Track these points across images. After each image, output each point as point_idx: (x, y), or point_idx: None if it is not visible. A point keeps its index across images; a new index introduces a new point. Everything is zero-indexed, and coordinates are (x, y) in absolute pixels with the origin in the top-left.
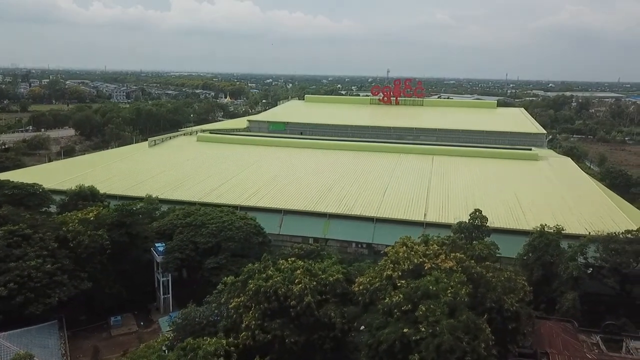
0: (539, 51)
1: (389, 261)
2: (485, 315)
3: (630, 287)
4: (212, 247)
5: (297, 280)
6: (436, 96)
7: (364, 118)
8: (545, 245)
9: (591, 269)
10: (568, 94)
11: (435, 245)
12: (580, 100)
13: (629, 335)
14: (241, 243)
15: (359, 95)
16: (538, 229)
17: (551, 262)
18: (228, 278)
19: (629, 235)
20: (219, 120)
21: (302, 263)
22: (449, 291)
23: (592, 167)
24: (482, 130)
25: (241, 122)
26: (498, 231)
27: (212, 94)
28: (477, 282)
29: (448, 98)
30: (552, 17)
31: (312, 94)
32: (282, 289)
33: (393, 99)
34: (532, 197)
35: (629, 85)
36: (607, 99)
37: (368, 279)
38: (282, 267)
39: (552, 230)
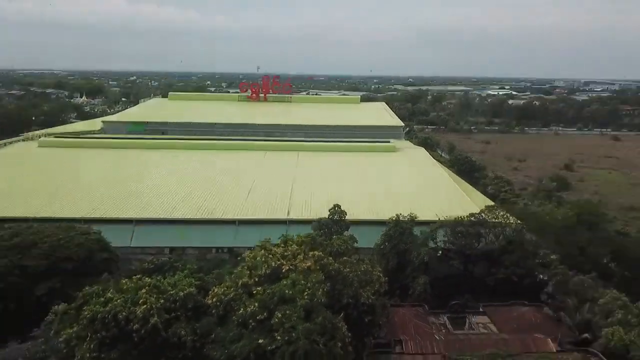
0: (401, 48)
1: (246, 267)
2: (342, 314)
3: (472, 266)
4: (46, 270)
5: (141, 301)
6: (305, 92)
7: (232, 115)
8: (400, 234)
9: (440, 252)
10: (425, 88)
11: (294, 245)
12: (434, 94)
13: (472, 311)
14: (82, 262)
15: (228, 92)
16: (394, 219)
17: (405, 249)
18: (59, 306)
19: (472, 219)
20: (72, 122)
21: (150, 280)
22: (305, 293)
23: (443, 155)
24: (346, 125)
25: (95, 124)
26: (358, 223)
27: (66, 93)
28: (335, 279)
29: (316, 94)
30: (413, 16)
31: (179, 92)
32: (123, 313)
33: (262, 95)
34: (389, 187)
35: (476, 80)
36: (457, 92)
37: (223, 289)
38: (125, 287)
39: (406, 219)
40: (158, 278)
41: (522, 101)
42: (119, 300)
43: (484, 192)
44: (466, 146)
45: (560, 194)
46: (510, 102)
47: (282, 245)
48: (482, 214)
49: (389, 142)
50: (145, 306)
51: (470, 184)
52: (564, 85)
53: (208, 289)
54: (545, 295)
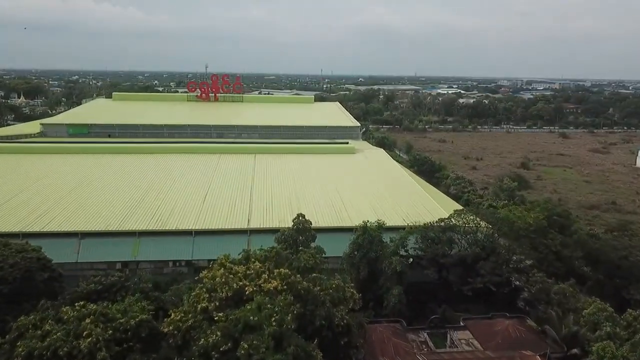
0: (349, 48)
1: (204, 289)
2: (316, 340)
3: (447, 274)
4: None
5: (85, 333)
6: (257, 92)
7: (182, 116)
8: (369, 242)
9: (411, 260)
10: (376, 87)
11: (257, 263)
12: (386, 93)
13: (452, 326)
14: (18, 284)
15: (177, 91)
16: (361, 226)
17: (376, 258)
18: None
19: (442, 224)
20: (10, 125)
21: (95, 307)
22: (273, 319)
23: (401, 155)
24: (302, 126)
25: (33, 126)
26: (324, 231)
27: (2, 93)
28: (305, 299)
29: (268, 94)
30: (358, 17)
31: (125, 92)
32: (65, 348)
33: (212, 95)
34: (353, 192)
35: (424, 79)
36: (408, 91)
37: (180, 315)
38: (67, 316)
39: (374, 225)
40: (105, 304)
41: (472, 100)
42: (59, 334)
43: (447, 193)
44: (422, 145)
45: (522, 193)
46: (460, 100)
47: (244, 262)
48: (452, 219)
49: (347, 143)
50: (90, 339)
51: (432, 185)
52: (509, 84)
53: (166, 308)
54: (522, 303)
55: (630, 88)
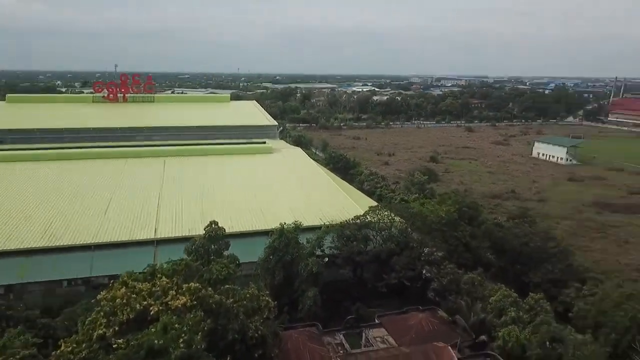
0: (267, 47)
1: (102, 314)
2: (228, 357)
3: (362, 272)
4: None
5: None
6: (170, 91)
7: (85, 119)
8: (285, 245)
9: (327, 259)
10: (293, 86)
11: (164, 279)
12: (303, 92)
13: (367, 325)
14: None
15: (82, 92)
16: (278, 228)
17: (292, 260)
18: None
19: (358, 221)
20: None
21: None
22: (181, 340)
23: (317, 152)
24: (217, 126)
25: None
26: (239, 236)
27: None
28: (217, 313)
29: (182, 93)
30: (278, 17)
31: (21, 93)
32: None
33: (120, 96)
34: (270, 193)
35: (339, 77)
36: (324, 90)
37: (71, 347)
38: None
39: (291, 227)
40: None
41: (385, 97)
42: None
43: (361, 189)
44: (338, 143)
45: (431, 186)
46: (375, 98)
47: (149, 278)
48: (367, 216)
49: (264, 142)
50: None
51: (347, 182)
52: (420, 81)
53: (57, 337)
54: (432, 294)
55: (527, 84)
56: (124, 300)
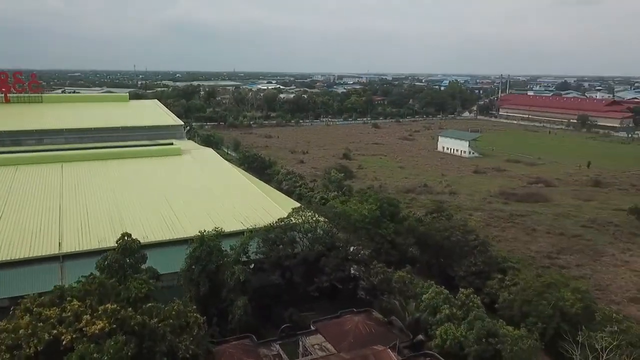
0: (164, 44)
1: (3, 348)
2: None
3: (291, 275)
4: None
5: None
6: (60, 91)
7: None
8: (207, 253)
9: (253, 265)
10: (195, 83)
11: (75, 301)
12: (207, 89)
13: (303, 332)
14: None
15: None
16: (197, 236)
17: (217, 269)
18: None
19: (282, 224)
20: None
21: None
22: None
23: (229, 152)
24: (117, 127)
25: None
26: (155, 246)
27: None
28: (141, 335)
29: (74, 92)
30: (170, 11)
31: None
32: None
33: (1, 96)
34: (184, 198)
35: (243, 75)
36: (229, 87)
37: None
38: None
39: (212, 234)
40: None
41: (292, 95)
42: None
43: (279, 189)
44: (250, 141)
45: (348, 183)
46: (281, 96)
47: (58, 301)
48: (292, 218)
49: (172, 144)
50: None
51: (265, 182)
52: (323, 79)
53: None
54: (362, 293)
55: (423, 81)
56: (29, 331)
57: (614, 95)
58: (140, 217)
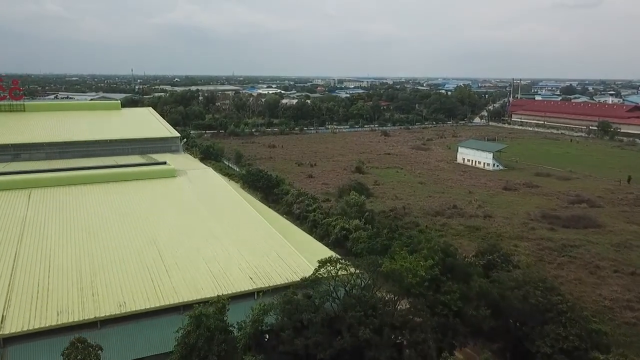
0: (162, 47)
1: None
2: None
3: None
4: None
5: None
6: (53, 96)
7: None
8: (207, 340)
9: (267, 337)
10: (194, 88)
11: None
12: (206, 94)
13: None
14: None
15: None
16: (193, 305)
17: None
18: None
19: (308, 289)
20: None
21: None
22: None
23: (231, 165)
24: (105, 140)
25: None
26: (136, 317)
27: None
28: None
29: (67, 98)
30: (169, 15)
31: None
32: None
33: None
34: (176, 241)
35: (242, 79)
36: (228, 92)
37: None
38: None
39: (212, 309)
40: None
41: (295, 100)
42: None
43: (290, 213)
44: (252, 152)
45: (372, 208)
46: (284, 101)
47: None
48: (319, 273)
49: (165, 163)
50: None
51: (272, 203)
52: (323, 83)
53: None
54: None
55: (425, 84)
56: None
57: (623, 100)
58: (119, 273)
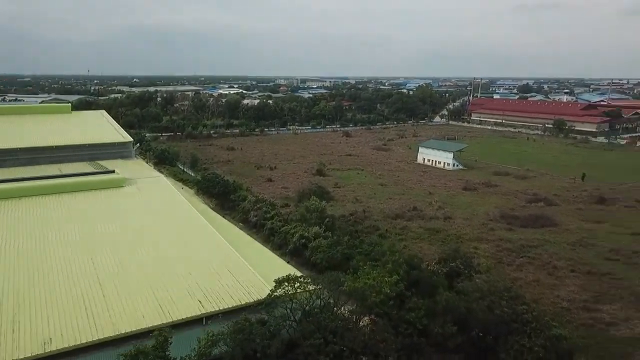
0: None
1: None
2: None
3: None
4: None
5: None
6: (1, 99)
7: None
8: None
9: None
10: (152, 89)
11: None
12: (164, 95)
13: None
14: None
15: None
16: (130, 352)
17: None
18: None
19: (262, 313)
20: None
21: None
22: None
23: (186, 170)
24: (51, 146)
25: None
26: (69, 354)
27: None
28: None
29: (16, 100)
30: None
31: None
32: None
33: None
34: (118, 262)
35: (203, 79)
36: (188, 92)
37: None
38: None
39: (151, 346)
40: None
41: (256, 101)
42: None
43: (247, 221)
44: (210, 155)
45: (332, 214)
46: (245, 102)
47: None
48: (275, 295)
49: (113, 171)
50: None
51: (228, 210)
52: (286, 83)
53: None
54: None
55: (387, 84)
56: None
57: (577, 98)
58: (48, 304)
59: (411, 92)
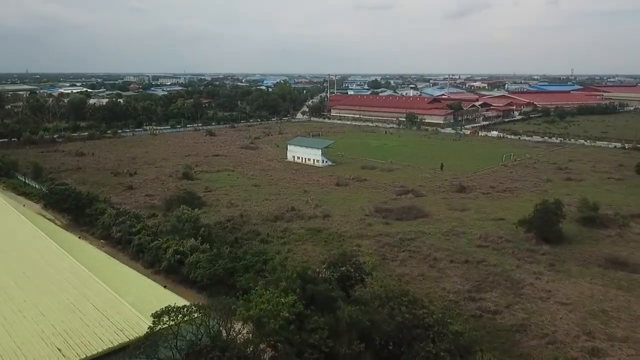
0: None
1: None
2: None
3: None
4: None
5: None
6: None
7: None
8: None
9: None
10: None
11: None
12: None
13: None
14: None
15: None
16: None
17: None
18: None
19: (138, 352)
20: None
21: None
22: None
23: (28, 182)
24: None
25: None
26: None
27: None
28: None
29: None
30: None
31: None
32: None
33: None
34: None
35: (38, 76)
36: (22, 92)
37: None
38: None
39: None
40: None
41: (105, 100)
42: None
43: (109, 237)
44: (56, 163)
45: (208, 223)
46: (92, 101)
47: None
48: (156, 328)
49: None
50: None
51: (85, 225)
52: (136, 80)
53: None
54: None
55: (244, 80)
56: None
57: (421, 93)
58: None
59: (270, 89)
